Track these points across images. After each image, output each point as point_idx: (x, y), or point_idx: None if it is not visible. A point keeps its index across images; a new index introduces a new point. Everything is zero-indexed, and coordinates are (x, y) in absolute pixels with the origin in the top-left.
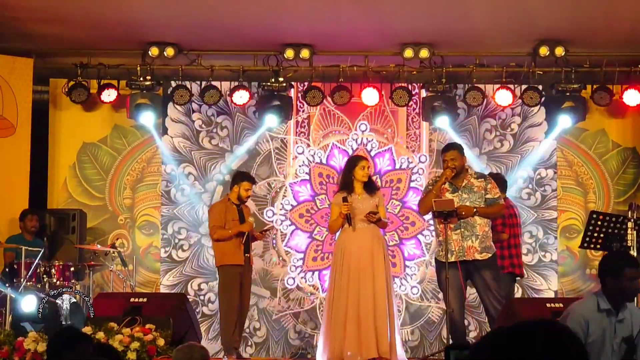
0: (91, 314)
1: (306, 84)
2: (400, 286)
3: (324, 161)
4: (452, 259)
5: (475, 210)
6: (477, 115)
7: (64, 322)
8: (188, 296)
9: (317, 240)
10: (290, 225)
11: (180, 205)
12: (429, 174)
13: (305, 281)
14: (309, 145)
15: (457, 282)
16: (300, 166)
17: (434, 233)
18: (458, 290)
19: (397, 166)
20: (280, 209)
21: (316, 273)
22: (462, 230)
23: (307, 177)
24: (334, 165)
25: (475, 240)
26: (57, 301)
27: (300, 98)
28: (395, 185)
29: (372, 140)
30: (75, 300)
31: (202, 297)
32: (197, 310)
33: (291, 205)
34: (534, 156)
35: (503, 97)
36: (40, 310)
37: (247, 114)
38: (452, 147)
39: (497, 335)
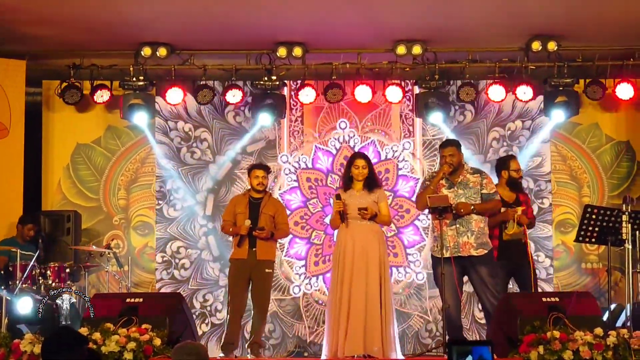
0: (91, 314)
1: (299, 82)
2: (405, 274)
3: (309, 165)
4: (447, 255)
5: (472, 207)
6: (486, 122)
7: (63, 322)
8: (194, 310)
9: (316, 245)
10: None
11: (175, 222)
12: (416, 159)
13: (311, 287)
14: (292, 152)
15: (452, 278)
16: (287, 174)
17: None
18: (453, 286)
19: (383, 157)
20: None
21: (320, 277)
22: (458, 226)
23: (295, 184)
24: (320, 167)
25: (471, 236)
26: (55, 302)
27: (293, 96)
28: (384, 176)
29: (354, 136)
30: (74, 301)
31: (208, 308)
32: (206, 322)
33: None
34: (535, 168)
35: (496, 92)
36: (39, 311)
37: (228, 120)
38: (451, 143)
39: None
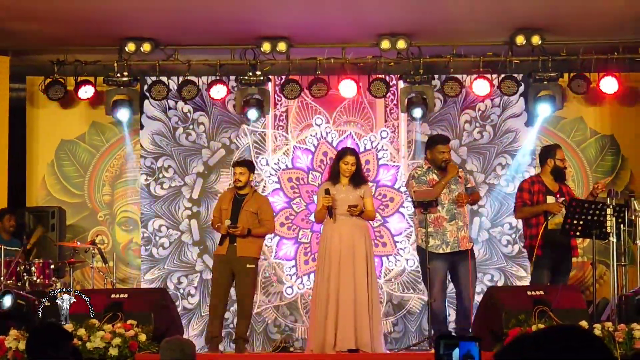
0: (91, 312)
1: (283, 77)
2: (395, 262)
3: (289, 165)
4: (448, 250)
5: (470, 198)
6: (456, 107)
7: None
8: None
9: (303, 244)
10: (274, 237)
11: (160, 200)
12: (397, 150)
13: (304, 287)
14: (275, 152)
15: (443, 273)
16: (268, 177)
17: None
18: (443, 280)
19: (362, 149)
20: None
21: (311, 275)
22: (457, 221)
23: (277, 185)
24: (300, 166)
25: (467, 230)
26: (40, 299)
27: (278, 91)
28: (365, 167)
29: (331, 131)
30: (75, 301)
31: (181, 291)
32: (177, 303)
33: None
34: (511, 144)
35: (480, 86)
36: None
37: (227, 108)
38: (448, 139)
39: (523, 341)
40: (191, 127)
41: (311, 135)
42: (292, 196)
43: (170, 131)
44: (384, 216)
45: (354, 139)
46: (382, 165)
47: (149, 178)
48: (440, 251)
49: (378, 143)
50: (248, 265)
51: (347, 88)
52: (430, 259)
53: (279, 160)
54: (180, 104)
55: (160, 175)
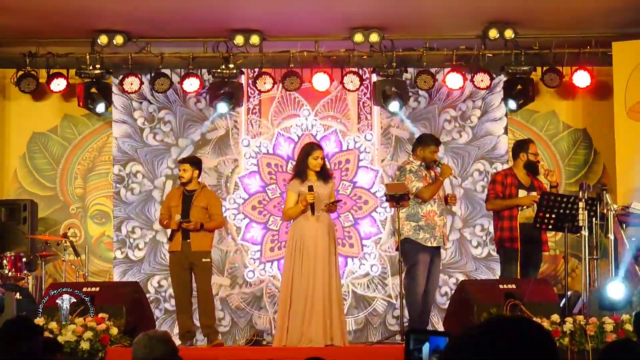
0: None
1: (256, 70)
2: (360, 266)
3: (270, 151)
4: (435, 244)
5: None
6: (437, 105)
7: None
8: (148, 294)
9: (272, 230)
10: (244, 218)
11: (132, 205)
12: (376, 150)
13: (265, 272)
14: (254, 137)
15: (428, 265)
16: (247, 159)
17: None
18: (426, 274)
19: (344, 147)
20: (233, 203)
21: (275, 263)
22: (443, 217)
23: (255, 168)
24: (280, 154)
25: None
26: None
27: (250, 84)
28: (344, 166)
29: (316, 124)
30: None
31: (163, 294)
32: (160, 307)
33: (242, 198)
34: (491, 151)
35: (454, 80)
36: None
37: (189, 106)
38: (440, 142)
39: (471, 333)
40: (130, 182)
41: (296, 125)
42: (268, 182)
43: (120, 195)
44: (356, 217)
45: (338, 137)
46: (362, 167)
47: (120, 238)
48: (429, 244)
49: (362, 144)
50: (204, 259)
51: (321, 81)
52: (418, 250)
53: (260, 143)
54: (117, 166)
55: (131, 242)
